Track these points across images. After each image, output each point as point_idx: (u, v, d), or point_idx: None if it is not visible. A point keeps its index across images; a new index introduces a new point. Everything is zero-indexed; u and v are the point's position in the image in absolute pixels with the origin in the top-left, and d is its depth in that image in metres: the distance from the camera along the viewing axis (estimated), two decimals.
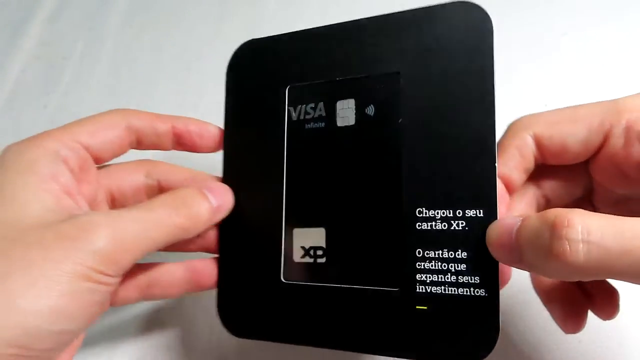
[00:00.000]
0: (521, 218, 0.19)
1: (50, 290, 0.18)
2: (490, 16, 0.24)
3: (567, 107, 0.21)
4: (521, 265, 0.18)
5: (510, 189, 0.22)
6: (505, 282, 0.22)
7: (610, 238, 0.16)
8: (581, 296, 0.24)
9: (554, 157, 0.21)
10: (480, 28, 0.23)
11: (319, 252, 0.24)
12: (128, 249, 0.20)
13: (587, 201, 0.24)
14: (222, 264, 0.26)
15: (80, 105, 0.41)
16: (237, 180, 0.27)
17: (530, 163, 0.21)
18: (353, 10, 0.44)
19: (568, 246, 0.16)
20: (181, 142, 0.26)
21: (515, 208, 0.23)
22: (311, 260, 0.24)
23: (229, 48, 0.28)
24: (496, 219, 0.20)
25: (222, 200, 0.25)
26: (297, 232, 0.25)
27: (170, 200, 0.23)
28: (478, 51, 0.23)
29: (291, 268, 0.25)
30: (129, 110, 0.26)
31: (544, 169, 0.23)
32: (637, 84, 0.38)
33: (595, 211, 0.18)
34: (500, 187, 0.21)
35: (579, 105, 0.21)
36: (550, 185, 0.23)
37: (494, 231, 0.19)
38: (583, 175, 0.22)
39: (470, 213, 0.21)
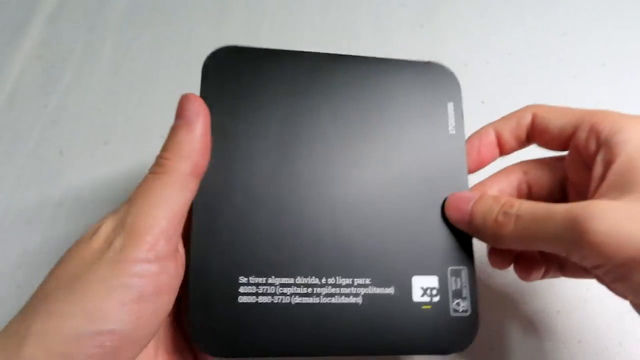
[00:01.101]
0: (477, 195, 0.25)
1: (84, 292, 0.18)
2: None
3: (571, 108, 0.25)
4: (467, 226, 0.25)
5: (500, 144, 0.27)
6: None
7: (529, 218, 0.22)
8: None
9: (539, 135, 0.26)
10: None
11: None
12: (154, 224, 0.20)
13: (561, 194, 0.28)
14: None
15: (80, 105, 0.41)
16: None
17: (522, 132, 0.26)
18: (354, 11, 0.44)
19: (504, 219, 0.23)
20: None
21: (500, 181, 0.28)
22: None
23: None
24: None
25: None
26: None
27: None
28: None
29: None
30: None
31: (531, 161, 0.28)
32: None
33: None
34: (490, 141, 0.27)
35: (580, 108, 0.25)
36: (534, 174, 0.27)
37: (454, 198, 0.26)
38: (561, 172, 0.27)
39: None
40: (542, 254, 0.28)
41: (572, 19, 0.42)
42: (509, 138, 0.27)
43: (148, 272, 0.19)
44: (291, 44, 0.27)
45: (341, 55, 0.27)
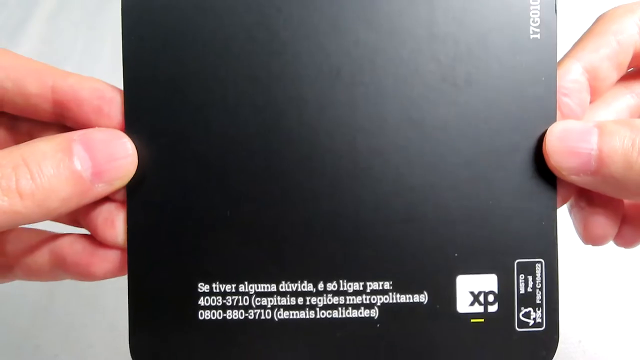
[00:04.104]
0: (597, 125, 0.16)
1: None
2: None
3: None
4: (594, 177, 0.16)
5: (595, 88, 0.18)
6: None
7: None
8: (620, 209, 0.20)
9: None
10: None
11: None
12: None
13: None
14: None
15: None
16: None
17: (627, 56, 0.17)
18: None
19: None
20: (65, 115, 0.18)
21: (601, 113, 0.19)
22: None
23: None
24: None
25: (105, 160, 0.17)
26: None
27: None
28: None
29: None
30: None
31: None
32: None
33: None
34: (578, 81, 0.18)
35: None
36: None
37: (563, 133, 0.17)
38: None
39: None
40: None
41: None
42: (607, 71, 0.17)
43: None
44: None
45: None
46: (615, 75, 0.18)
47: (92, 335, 0.32)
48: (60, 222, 0.20)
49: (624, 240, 0.20)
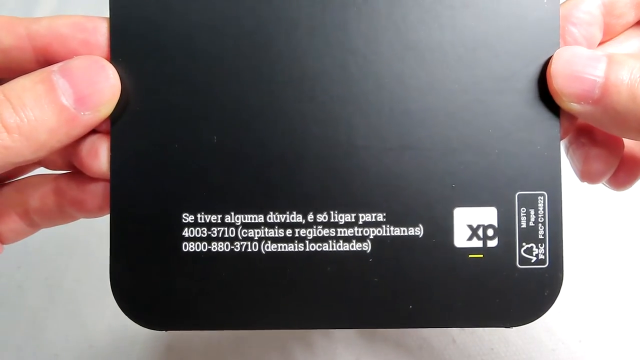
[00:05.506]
0: (603, 53, 0.16)
1: None
2: None
3: None
4: (594, 106, 0.16)
5: (608, 26, 0.18)
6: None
7: None
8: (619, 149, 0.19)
9: None
10: None
11: None
12: None
13: None
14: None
15: None
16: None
17: None
18: None
19: None
20: (50, 60, 0.17)
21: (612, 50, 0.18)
22: None
23: None
24: None
25: (86, 85, 0.16)
26: None
27: None
28: None
29: None
30: None
31: None
32: None
33: None
34: (591, 13, 0.17)
35: None
36: None
37: (570, 57, 0.16)
38: None
39: None
40: None
41: None
42: (625, 7, 0.17)
43: None
44: None
45: None
46: (632, 16, 0.18)
47: (92, 335, 0.32)
48: (57, 168, 0.20)
49: (617, 182, 0.19)
